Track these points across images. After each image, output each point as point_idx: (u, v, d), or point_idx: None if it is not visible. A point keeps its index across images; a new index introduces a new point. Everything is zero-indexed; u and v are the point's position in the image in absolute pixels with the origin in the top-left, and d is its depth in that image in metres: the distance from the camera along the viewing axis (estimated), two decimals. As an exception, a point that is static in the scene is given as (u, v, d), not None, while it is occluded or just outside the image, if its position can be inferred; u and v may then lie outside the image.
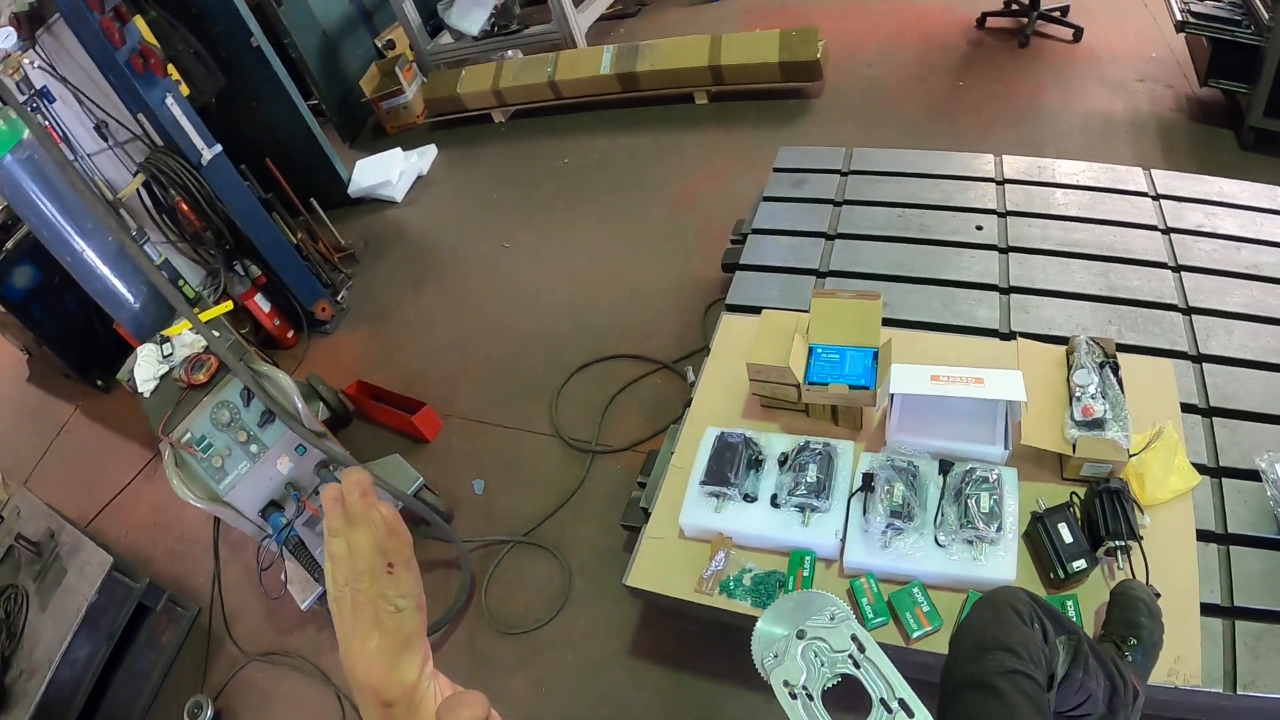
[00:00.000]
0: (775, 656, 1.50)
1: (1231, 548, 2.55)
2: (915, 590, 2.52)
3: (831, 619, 1.53)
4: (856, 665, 1.46)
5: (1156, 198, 3.82)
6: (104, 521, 4.63)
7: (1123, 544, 2.44)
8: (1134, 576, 2.43)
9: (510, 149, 6.73)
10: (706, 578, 2.72)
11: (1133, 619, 2.24)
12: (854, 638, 1.49)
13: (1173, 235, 3.61)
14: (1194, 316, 3.24)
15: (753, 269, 3.80)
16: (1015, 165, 4.10)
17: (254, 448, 3.22)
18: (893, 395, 2.79)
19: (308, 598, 3.63)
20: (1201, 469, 2.71)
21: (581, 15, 7.16)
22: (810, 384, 2.88)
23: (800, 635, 1.51)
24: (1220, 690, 2.27)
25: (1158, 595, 2.35)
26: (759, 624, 1.58)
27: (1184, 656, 2.30)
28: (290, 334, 5.30)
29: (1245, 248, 3.52)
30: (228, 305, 3.87)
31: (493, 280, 5.38)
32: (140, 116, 4.33)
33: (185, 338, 3.46)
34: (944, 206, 3.90)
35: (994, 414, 2.81)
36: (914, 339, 3.23)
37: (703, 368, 3.43)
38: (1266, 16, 4.51)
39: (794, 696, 1.45)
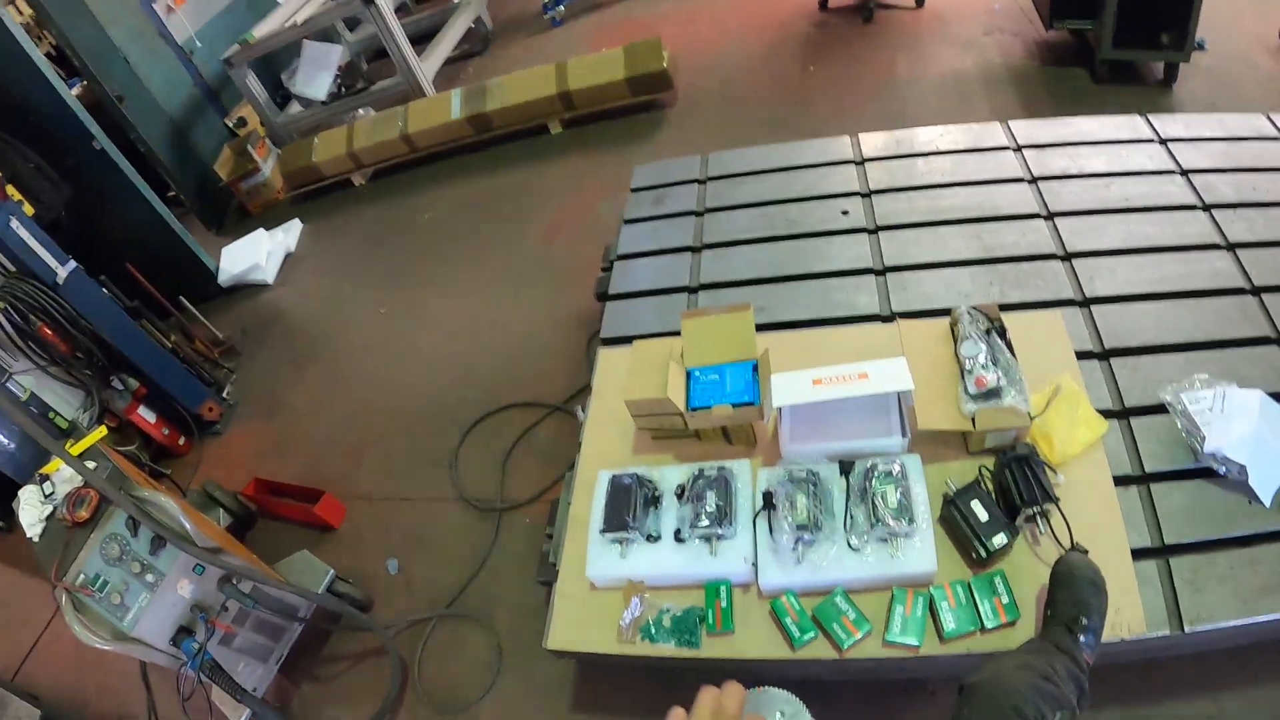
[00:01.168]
0: None
1: (1151, 486, 2.50)
2: (838, 599, 2.40)
3: (782, 715, 1.43)
4: None
5: (1018, 149, 3.79)
6: (29, 670, 4.34)
7: (1039, 508, 2.37)
8: (1056, 538, 2.37)
9: (374, 211, 6.60)
10: (625, 626, 2.57)
11: (1080, 597, 2.15)
12: None
13: (1040, 183, 3.57)
14: (1074, 261, 3.20)
15: (623, 297, 3.67)
16: (873, 142, 4.04)
17: (150, 577, 3.03)
18: (780, 407, 2.68)
19: (240, 717, 3.45)
20: (1107, 414, 2.66)
21: (426, 63, 7.09)
22: (693, 410, 2.73)
23: None
24: (1168, 632, 2.22)
25: (1085, 551, 2.29)
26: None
27: (1123, 606, 2.23)
28: (182, 440, 5.06)
29: (1114, 182, 3.50)
30: (102, 432, 3.67)
31: (375, 350, 5.24)
32: (-13, 244, 4.11)
33: (64, 473, 3.28)
34: (808, 197, 3.82)
35: (887, 405, 2.70)
36: (797, 339, 3.13)
37: (588, 407, 3.30)
38: (1104, -49, 4.55)
39: None
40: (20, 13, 6.60)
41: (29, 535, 3.21)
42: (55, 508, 3.18)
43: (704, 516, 2.59)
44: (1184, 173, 3.48)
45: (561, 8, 8.16)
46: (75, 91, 5.67)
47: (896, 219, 3.57)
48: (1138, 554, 2.35)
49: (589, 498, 2.84)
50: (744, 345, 2.82)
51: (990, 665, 1.97)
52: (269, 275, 6.20)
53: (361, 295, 5.73)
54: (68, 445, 3.09)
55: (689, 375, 2.83)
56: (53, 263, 4.23)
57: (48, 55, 5.17)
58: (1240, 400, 2.52)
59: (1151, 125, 3.76)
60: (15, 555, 5.04)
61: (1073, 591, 2.18)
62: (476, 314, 5.12)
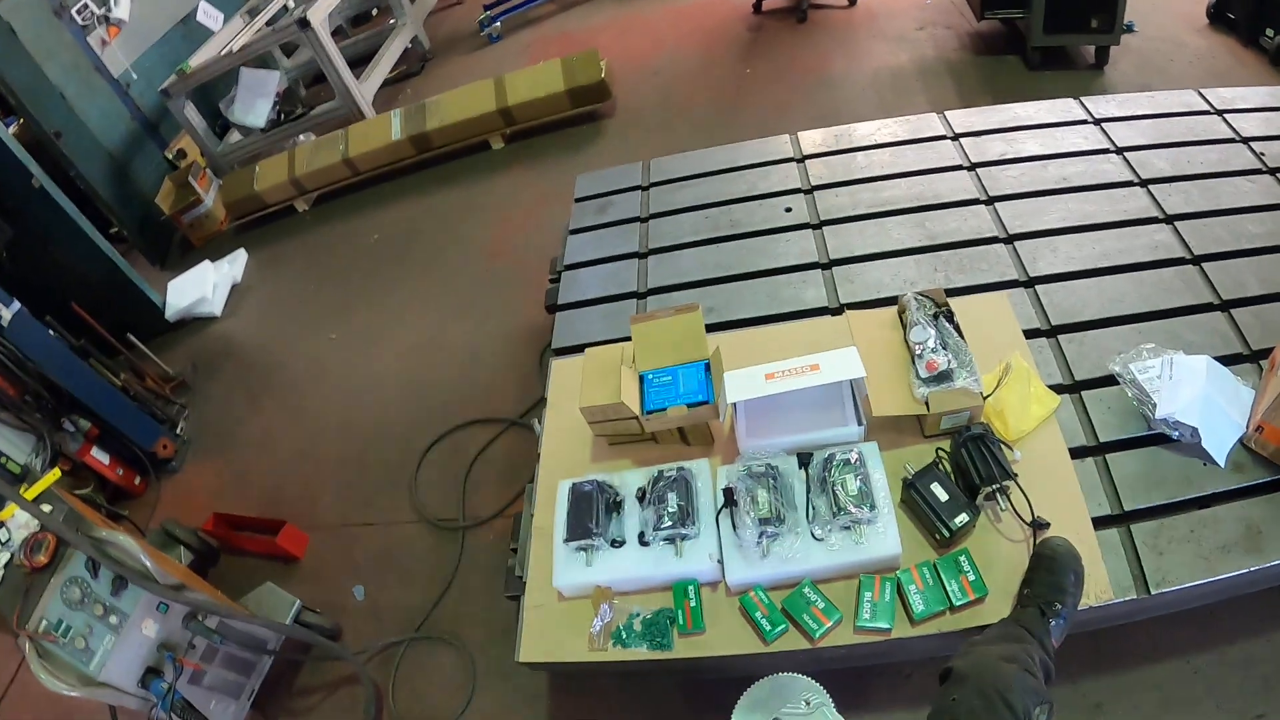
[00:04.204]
0: None
1: (1107, 455, 2.56)
2: (806, 590, 2.41)
3: (807, 704, 1.47)
4: None
5: (956, 138, 3.85)
6: None
7: (999, 485, 2.40)
8: (1018, 514, 2.42)
9: (319, 237, 6.53)
10: (596, 634, 2.56)
11: (1059, 583, 2.21)
12: None
13: (979, 170, 3.63)
14: (1016, 243, 3.27)
15: (573, 306, 3.67)
16: (812, 139, 4.07)
17: (114, 618, 2.96)
18: (734, 403, 2.70)
19: None
20: (1059, 389, 2.74)
21: (364, 85, 7.05)
22: (649, 413, 2.73)
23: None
24: (1134, 596, 2.27)
25: (1047, 525, 2.36)
26: (735, 714, 1.52)
27: (1090, 574, 2.28)
28: (137, 480, 4.93)
29: (1051, 164, 3.58)
30: (55, 474, 3.59)
31: (327, 377, 5.18)
32: (-73, 290, 3.98)
33: (19, 519, 3.17)
34: (750, 197, 3.84)
35: (840, 394, 2.72)
36: (748, 337, 3.15)
37: (544, 419, 3.29)
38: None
39: None
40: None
41: None
42: (12, 554, 3.10)
43: (666, 518, 2.59)
44: (1119, 150, 3.56)
45: (498, 24, 8.15)
46: (12, 130, 5.58)
47: (839, 213, 3.61)
48: (1099, 522, 2.42)
49: (551, 508, 2.82)
50: (695, 346, 2.83)
51: (974, 653, 2.00)
52: (216, 308, 6.09)
53: (311, 322, 5.67)
54: (21, 490, 3.00)
55: (642, 379, 2.82)
56: (-4, 305, 4.14)
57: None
58: (1187, 366, 2.59)
59: (1085, 107, 3.84)
60: (-28, 606, 4.97)
61: (1054, 576, 2.23)
62: (427, 334, 5.10)
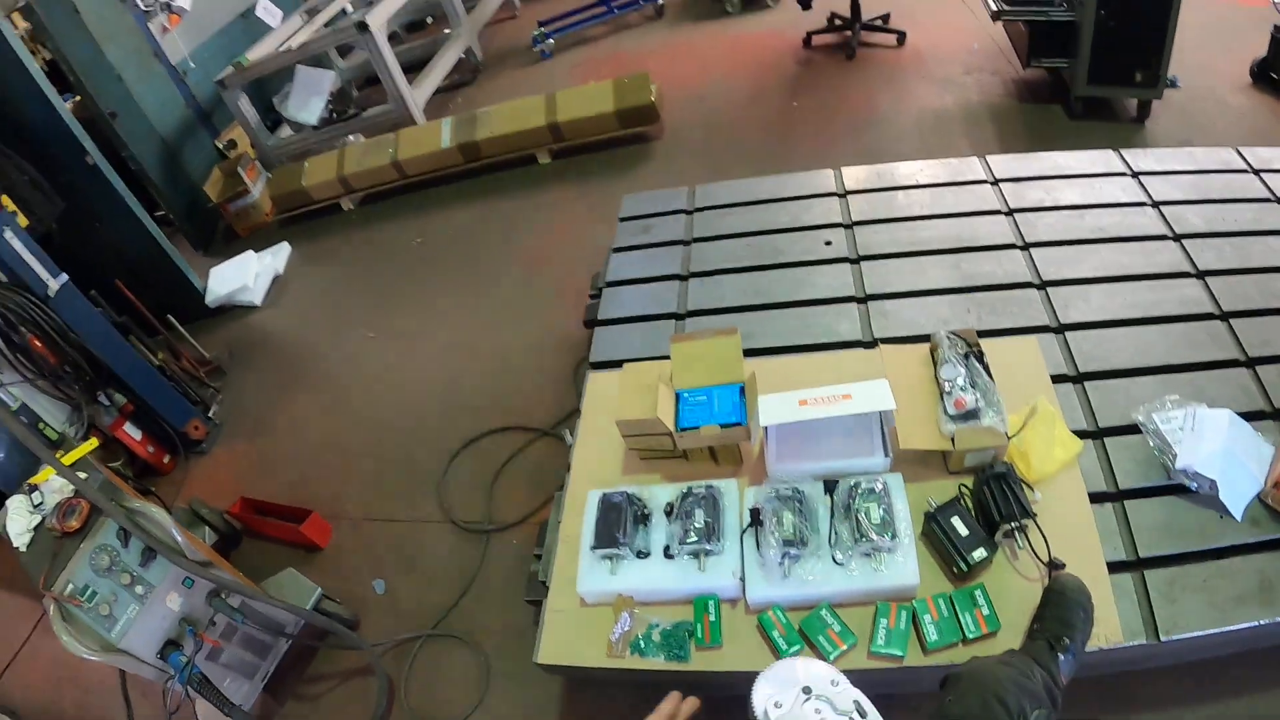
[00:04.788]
0: (778, 706, 1.53)
1: (1126, 503, 2.58)
2: (824, 613, 2.46)
3: (834, 684, 1.53)
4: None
5: (995, 182, 3.90)
6: (5, 684, 4.28)
7: (1018, 524, 2.44)
8: (1035, 553, 2.45)
9: (363, 235, 6.63)
10: (615, 641, 2.61)
11: (1068, 619, 2.23)
12: (856, 703, 1.52)
13: (1016, 215, 3.68)
14: (1050, 290, 3.30)
15: (612, 322, 3.74)
16: (855, 175, 4.13)
17: (140, 588, 3.01)
18: (766, 427, 2.75)
19: None
20: (1083, 434, 2.75)
21: (417, 91, 7.16)
22: (682, 430, 2.81)
23: (806, 691, 1.52)
24: (1144, 641, 2.29)
25: (1062, 565, 2.38)
26: (761, 678, 1.59)
27: (1101, 618, 2.28)
28: (166, 459, 5.02)
29: (1088, 214, 3.62)
30: (93, 443, 3.65)
31: (362, 373, 5.25)
32: (-21, 254, 4.10)
33: (54, 483, 3.22)
34: (792, 228, 3.91)
35: (869, 425, 2.78)
36: (781, 364, 3.20)
37: (577, 430, 3.35)
38: (1076, -8, 4.69)
39: None
40: (16, 25, 6.62)
41: (15, 545, 3.17)
42: (44, 517, 3.15)
43: (693, 533, 2.64)
44: (1155, 204, 3.61)
45: (551, 41, 8.27)
46: (68, 107, 5.70)
47: (878, 249, 3.67)
48: (1114, 567, 2.43)
49: (579, 516, 2.88)
50: (731, 368, 2.90)
51: (973, 660, 2.05)
52: (257, 297, 6.21)
53: (349, 319, 5.75)
54: (59, 455, 3.07)
55: (678, 397, 2.90)
56: (45, 275, 4.23)
57: (43, 69, 5.18)
58: (1210, 419, 2.61)
59: (1124, 159, 3.88)
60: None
61: (1062, 611, 2.25)
62: (463, 339, 5.16)
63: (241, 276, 6.20)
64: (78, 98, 6.31)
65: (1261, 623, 2.29)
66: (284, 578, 3.68)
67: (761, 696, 1.56)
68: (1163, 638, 2.28)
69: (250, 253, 6.44)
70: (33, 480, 3.27)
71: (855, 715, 1.49)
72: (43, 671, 4.27)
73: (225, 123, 7.62)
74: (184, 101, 7.24)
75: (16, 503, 3.24)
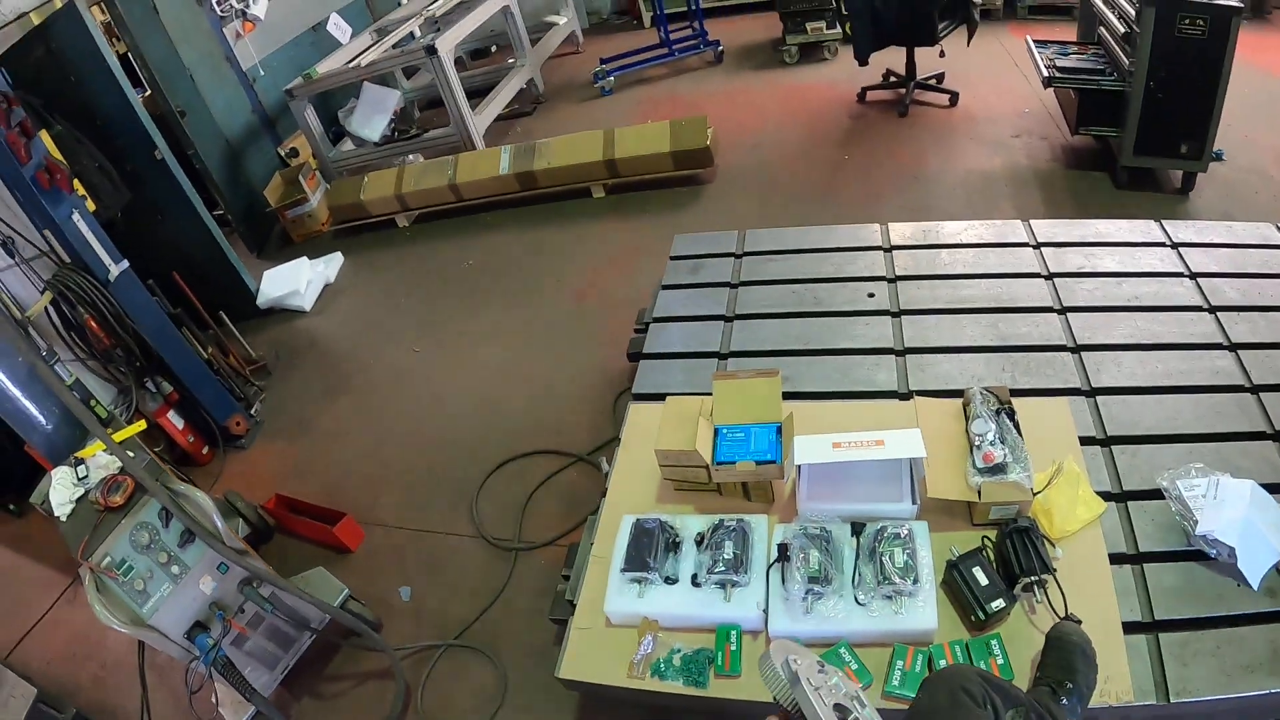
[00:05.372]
0: (796, 661, 1.68)
1: (1145, 565, 2.62)
2: (842, 650, 2.51)
3: (821, 669, 1.68)
4: (859, 706, 1.65)
5: (1037, 246, 3.97)
6: (24, 651, 4.37)
7: (1037, 578, 2.49)
8: (1052, 607, 2.49)
9: (415, 252, 6.76)
10: (637, 662, 2.67)
11: (1069, 663, 2.26)
12: (858, 695, 1.70)
13: (1056, 280, 3.75)
14: (1083, 354, 3.36)
15: (656, 357, 3.83)
16: (901, 232, 4.23)
17: (175, 569, 3.08)
18: (799, 466, 2.83)
19: (241, 718, 3.50)
20: (1106, 496, 2.80)
21: (479, 117, 7.33)
22: (719, 464, 2.90)
23: (819, 664, 1.72)
24: (1154, 702, 2.32)
25: (1079, 621, 2.41)
26: (772, 648, 1.78)
27: (1113, 676, 2.33)
28: (205, 450, 5.14)
29: (1126, 282, 3.68)
30: (141, 425, 3.73)
31: (405, 385, 5.35)
32: (46, 233, 4.25)
33: (100, 459, 3.32)
34: (836, 278, 4.00)
35: (899, 472, 2.85)
36: (817, 409, 3.25)
37: (615, 458, 3.44)
38: (1127, 63, 4.83)
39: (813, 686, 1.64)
40: (96, 17, 6.78)
41: (57, 514, 3.28)
42: (88, 490, 3.23)
43: (721, 563, 2.73)
44: (1193, 275, 3.66)
45: (612, 78, 8.43)
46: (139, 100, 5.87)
47: (919, 304, 3.76)
48: (1129, 627, 2.46)
49: (611, 539, 2.97)
50: (770, 408, 3.00)
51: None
52: (307, 303, 6.35)
53: (395, 333, 5.86)
54: (110, 433, 3.13)
55: (717, 432, 3.00)
56: (107, 259, 4.37)
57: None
58: (1232, 488, 2.64)
59: (1165, 230, 3.94)
60: (20, 540, 5.13)
61: (1062, 655, 2.30)
62: (508, 362, 5.24)
63: (294, 281, 6.34)
64: (149, 93, 6.50)
65: (1272, 691, 2.32)
66: (313, 575, 3.74)
67: (779, 656, 1.71)
68: (1173, 699, 2.31)
69: (304, 259, 6.59)
70: (79, 454, 3.36)
71: (857, 700, 1.63)
72: (62, 643, 4.36)
73: (289, 131, 7.83)
74: (251, 106, 7.47)
75: (62, 474, 3.34)
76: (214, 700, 3.53)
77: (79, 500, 3.27)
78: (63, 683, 4.13)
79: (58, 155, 4.15)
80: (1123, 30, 5.01)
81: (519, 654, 3.59)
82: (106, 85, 5.18)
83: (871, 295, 3.86)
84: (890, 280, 3.94)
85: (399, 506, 4.51)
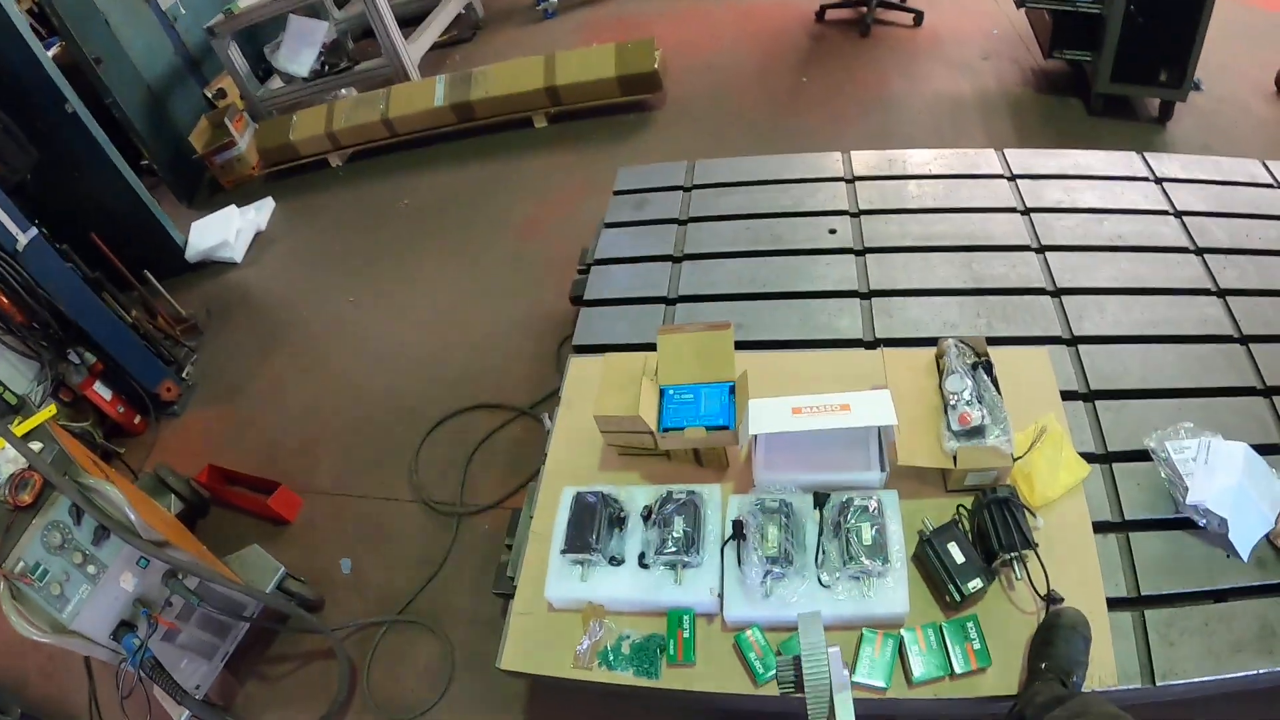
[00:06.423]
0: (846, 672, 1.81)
1: (1130, 534, 2.48)
2: (809, 636, 2.34)
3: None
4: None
5: (1012, 178, 3.76)
6: None
7: (1017, 554, 2.32)
8: (1033, 584, 2.34)
9: (349, 194, 6.50)
10: (582, 652, 2.49)
11: (1078, 656, 2.16)
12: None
13: (1033, 215, 3.54)
14: (1063, 298, 3.18)
15: (599, 304, 3.59)
16: (865, 161, 3.98)
17: (92, 568, 2.92)
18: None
19: (182, 713, 3.36)
20: (1090, 457, 2.64)
21: (413, 46, 7.00)
22: (666, 430, 2.65)
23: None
24: (1139, 685, 2.21)
25: (1061, 599, 2.28)
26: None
27: (1097, 657, 2.20)
28: (137, 419, 4.92)
29: (1107, 219, 3.48)
30: (51, 411, 3.53)
31: (342, 339, 5.15)
32: (-55, 208, 3.95)
33: (8, 453, 3.09)
34: (794, 213, 3.75)
35: (866, 437, 2.64)
36: (775, 360, 3.05)
37: (555, 415, 3.22)
38: (1106, -16, 4.57)
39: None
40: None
41: None
42: None
43: (670, 542, 2.52)
44: (1178, 214, 3.47)
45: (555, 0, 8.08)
46: (52, 53, 5.51)
47: (885, 241, 3.52)
48: (1113, 603, 2.33)
49: (551, 513, 2.76)
50: (722, 365, 2.75)
51: None
52: (237, 254, 6.08)
53: (331, 281, 5.64)
54: (14, 423, 2.97)
55: (662, 394, 2.75)
56: (13, 229, 4.10)
57: (28, 13, 4.99)
58: (1224, 452, 2.51)
59: (1148, 163, 3.74)
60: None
61: (1071, 647, 2.17)
62: (447, 309, 5.06)
63: (223, 232, 6.06)
64: (61, 43, 6.13)
65: (1261, 671, 2.22)
66: (249, 554, 3.62)
67: (831, 654, 1.83)
68: (1159, 683, 2.21)
69: (233, 207, 6.30)
70: (-13, 448, 3.16)
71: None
72: (5, 634, 4.14)
73: (214, 72, 7.41)
74: (172, 48, 7.02)
75: (-32, 472, 3.14)
76: (152, 696, 3.36)
77: (-12, 499, 3.08)
78: (8, 677, 3.98)
79: (-46, 121, 3.87)
80: (1101, -52, 4.78)
81: (466, 626, 3.51)
82: (9, 40, 4.82)
83: (833, 231, 3.60)
84: (854, 215, 3.69)
85: (337, 472, 4.34)
